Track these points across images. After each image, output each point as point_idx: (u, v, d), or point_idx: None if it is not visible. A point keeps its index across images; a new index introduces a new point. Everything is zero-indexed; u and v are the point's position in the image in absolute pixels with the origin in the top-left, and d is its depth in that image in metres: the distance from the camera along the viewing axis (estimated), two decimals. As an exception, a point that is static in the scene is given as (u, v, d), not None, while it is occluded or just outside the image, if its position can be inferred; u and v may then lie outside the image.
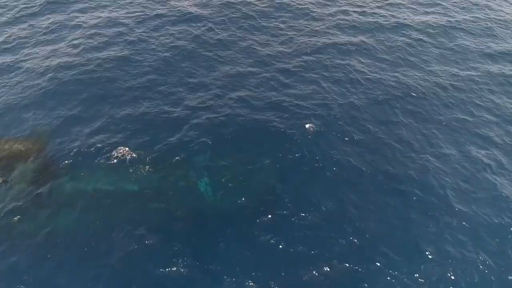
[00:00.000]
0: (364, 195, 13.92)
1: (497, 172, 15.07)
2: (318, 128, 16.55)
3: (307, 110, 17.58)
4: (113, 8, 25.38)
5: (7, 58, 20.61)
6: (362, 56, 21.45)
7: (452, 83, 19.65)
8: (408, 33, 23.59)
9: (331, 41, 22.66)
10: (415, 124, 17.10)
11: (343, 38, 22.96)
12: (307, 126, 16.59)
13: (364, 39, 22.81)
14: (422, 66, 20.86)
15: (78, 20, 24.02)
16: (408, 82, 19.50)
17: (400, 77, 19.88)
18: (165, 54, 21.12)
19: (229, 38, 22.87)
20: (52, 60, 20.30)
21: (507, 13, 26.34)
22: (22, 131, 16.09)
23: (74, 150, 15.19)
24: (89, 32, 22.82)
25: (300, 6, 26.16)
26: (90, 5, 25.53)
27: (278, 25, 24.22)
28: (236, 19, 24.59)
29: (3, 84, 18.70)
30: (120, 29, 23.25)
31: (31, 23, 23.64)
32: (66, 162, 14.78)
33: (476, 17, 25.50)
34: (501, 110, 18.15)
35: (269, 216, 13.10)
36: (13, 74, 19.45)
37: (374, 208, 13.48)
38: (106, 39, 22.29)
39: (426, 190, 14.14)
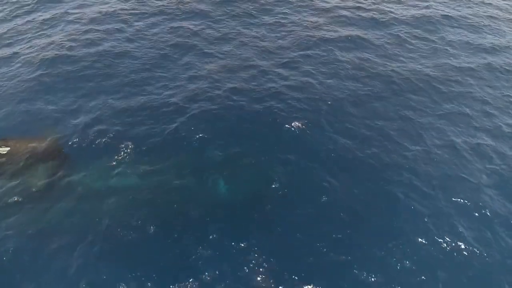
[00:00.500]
0: (362, 189, 14.17)
1: (488, 162, 15.45)
2: (315, 123, 16.74)
3: (304, 105, 17.78)
4: (112, 4, 25.56)
5: (5, 53, 20.83)
6: (358, 51, 21.69)
7: (446, 77, 19.97)
8: (404, 28, 23.87)
9: (328, 36, 22.87)
10: (411, 117, 17.36)
11: (339, 33, 23.18)
12: (302, 121, 16.81)
13: (360, 34, 23.04)
14: (418, 60, 21.15)
15: (76, 15, 24.16)
16: (404, 76, 19.81)
17: (397, 71, 20.15)
18: (164, 48, 21.29)
19: (227, 33, 23.09)
20: (50, 55, 20.39)
21: (501, 9, 26.64)
22: (20, 128, 16.13)
23: (75, 145, 15.31)
24: (87, 27, 22.94)
25: (298, 3, 26.41)
26: (88, 2, 25.74)
27: (277, 20, 24.44)
28: (234, 15, 24.82)
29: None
30: (118, 24, 23.41)
31: (29, 19, 23.75)
32: (68, 157, 14.91)
33: (470, 13, 25.80)
34: (494, 101, 18.55)
35: (267, 210, 13.34)
36: (9, 69, 19.63)
37: (371, 201, 13.73)
38: (104, 34, 22.41)
39: (422, 182, 14.46)
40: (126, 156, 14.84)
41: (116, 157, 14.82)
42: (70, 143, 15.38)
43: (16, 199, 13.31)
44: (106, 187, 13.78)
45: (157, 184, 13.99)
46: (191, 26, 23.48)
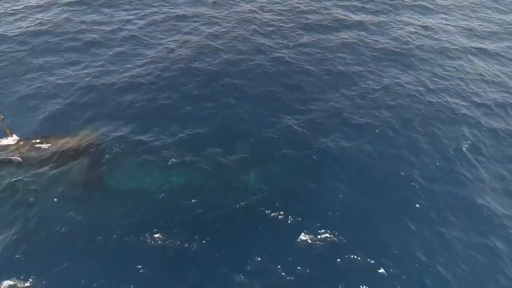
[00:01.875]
0: (368, 182, 15.99)
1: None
2: (326, 122, 18.26)
3: (308, 99, 19.26)
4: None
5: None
6: (357, 33, 23.10)
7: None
8: (397, 16, 26.09)
9: (329, 24, 23.63)
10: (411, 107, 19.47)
11: (347, 20, 24.56)
12: (294, 125, 17.97)
13: (358, 19, 24.60)
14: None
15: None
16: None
17: (396, 40, 22.00)
18: (164, 36, 22.38)
19: (224, 16, 24.19)
20: (51, 46, 21.49)
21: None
22: (58, 126, 16.91)
23: (108, 142, 16.07)
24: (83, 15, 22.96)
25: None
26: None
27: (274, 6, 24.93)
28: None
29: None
30: (115, 12, 23.97)
31: (24, 5, 24.22)
32: (102, 153, 15.70)
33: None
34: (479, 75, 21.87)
35: (287, 208, 14.83)
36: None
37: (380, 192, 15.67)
38: (103, 22, 22.41)
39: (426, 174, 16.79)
40: (167, 157, 15.57)
41: (145, 153, 15.66)
42: (104, 140, 16.20)
43: (56, 189, 14.22)
44: (139, 181, 14.62)
45: (195, 181, 14.88)
46: (189, 13, 23.70)
